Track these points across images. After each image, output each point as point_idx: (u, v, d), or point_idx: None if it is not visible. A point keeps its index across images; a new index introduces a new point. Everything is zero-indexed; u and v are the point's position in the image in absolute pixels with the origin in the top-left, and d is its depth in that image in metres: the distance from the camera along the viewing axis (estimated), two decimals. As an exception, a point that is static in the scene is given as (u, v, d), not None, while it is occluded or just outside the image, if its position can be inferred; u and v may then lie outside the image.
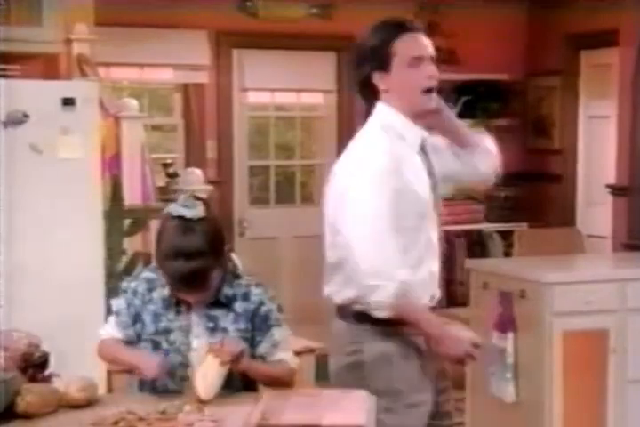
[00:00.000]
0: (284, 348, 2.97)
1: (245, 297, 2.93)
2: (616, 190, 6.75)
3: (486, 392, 4.95)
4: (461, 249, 7.23)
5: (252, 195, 7.48)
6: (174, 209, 2.87)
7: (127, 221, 5.07)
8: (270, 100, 7.49)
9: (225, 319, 2.92)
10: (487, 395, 4.95)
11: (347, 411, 2.61)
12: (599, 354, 4.80)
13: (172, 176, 6.48)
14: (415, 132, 3.02)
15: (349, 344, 3.01)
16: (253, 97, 7.37)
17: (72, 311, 4.37)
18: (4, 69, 4.78)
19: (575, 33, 7.28)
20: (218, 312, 2.92)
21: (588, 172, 7.42)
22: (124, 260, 4.99)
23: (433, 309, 3.03)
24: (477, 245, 7.36)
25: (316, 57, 7.39)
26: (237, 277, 2.98)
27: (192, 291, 2.86)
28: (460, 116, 7.50)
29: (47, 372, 2.88)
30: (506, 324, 4.80)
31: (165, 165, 6.58)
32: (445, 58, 7.09)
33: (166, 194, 5.92)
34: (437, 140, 3.14)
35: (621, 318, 4.82)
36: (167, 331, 2.92)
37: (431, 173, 3.05)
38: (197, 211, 2.86)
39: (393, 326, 2.94)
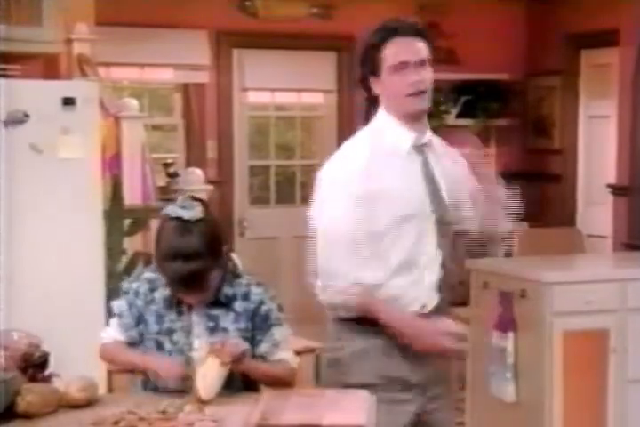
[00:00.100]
0: (285, 347, 2.97)
1: (246, 297, 2.93)
2: (616, 190, 6.75)
3: (486, 392, 4.94)
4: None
5: (253, 195, 7.48)
6: (172, 210, 2.86)
7: (127, 221, 5.08)
8: (270, 99, 7.50)
9: (225, 319, 2.91)
10: (487, 395, 4.94)
11: (347, 411, 2.60)
12: (599, 354, 4.79)
13: (173, 176, 6.49)
14: (405, 136, 2.99)
15: (334, 341, 3.03)
16: (253, 97, 7.38)
17: (72, 311, 4.37)
18: (5, 69, 4.78)
19: (575, 33, 7.28)
20: (218, 312, 2.91)
21: (588, 172, 7.42)
22: (124, 260, 4.99)
23: (425, 315, 2.95)
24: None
25: (316, 57, 7.40)
26: (237, 276, 2.97)
27: (191, 292, 2.86)
28: (460, 116, 7.55)
29: (47, 372, 2.88)
30: (506, 324, 4.79)
31: (166, 165, 6.59)
32: (445, 58, 7.12)
33: (166, 194, 5.92)
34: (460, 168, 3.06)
35: (622, 318, 4.81)
36: (170, 331, 2.92)
37: (430, 179, 3.00)
38: (195, 212, 2.85)
39: (376, 325, 2.92)
